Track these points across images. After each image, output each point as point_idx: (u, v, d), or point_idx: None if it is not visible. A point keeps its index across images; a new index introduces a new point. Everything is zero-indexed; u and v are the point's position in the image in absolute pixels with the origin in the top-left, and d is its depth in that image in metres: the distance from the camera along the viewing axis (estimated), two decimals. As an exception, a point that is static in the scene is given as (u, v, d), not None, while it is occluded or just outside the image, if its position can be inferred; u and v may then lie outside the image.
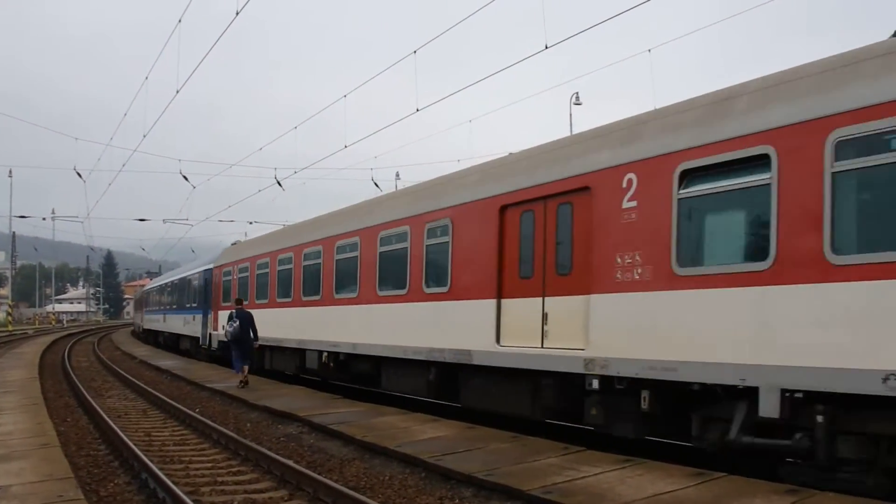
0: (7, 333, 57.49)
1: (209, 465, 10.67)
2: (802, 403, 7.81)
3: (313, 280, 19.22)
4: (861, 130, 7.42)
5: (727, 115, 8.83)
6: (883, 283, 7.12)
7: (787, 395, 7.85)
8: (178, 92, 20.65)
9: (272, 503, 8.58)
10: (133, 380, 22.11)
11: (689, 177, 9.09)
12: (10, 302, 79.55)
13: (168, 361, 29.83)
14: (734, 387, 8.35)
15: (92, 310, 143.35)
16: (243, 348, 19.61)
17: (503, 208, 12.12)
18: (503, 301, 12.07)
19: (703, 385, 8.74)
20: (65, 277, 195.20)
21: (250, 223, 52.08)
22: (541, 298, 11.33)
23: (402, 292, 14.74)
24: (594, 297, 10.19)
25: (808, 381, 7.61)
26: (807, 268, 7.71)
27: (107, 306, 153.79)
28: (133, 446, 10.87)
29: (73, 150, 35.50)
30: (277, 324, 21.31)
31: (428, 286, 14.04)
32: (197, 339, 32.28)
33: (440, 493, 8.58)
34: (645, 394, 9.51)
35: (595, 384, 10.13)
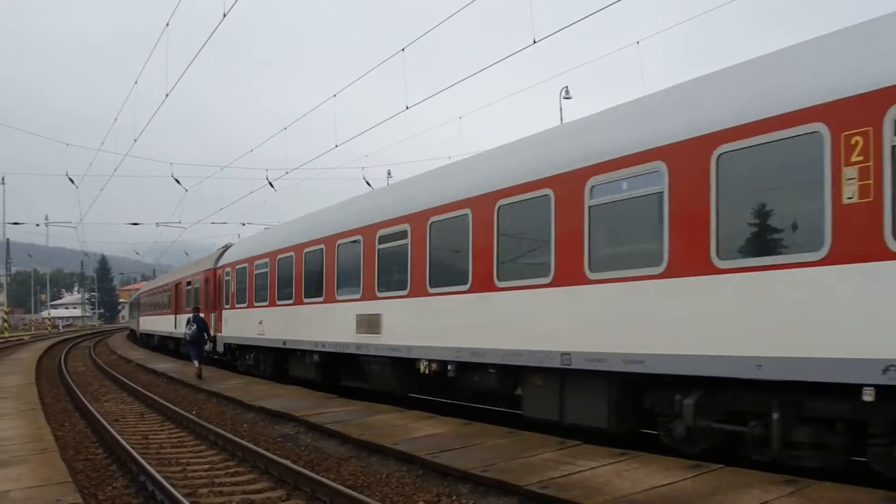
0: (3, 340, 57.39)
1: (207, 466, 10.71)
2: None
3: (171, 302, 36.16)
4: None
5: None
6: None
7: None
8: (167, 96, 20.64)
9: (270, 503, 8.62)
10: (129, 383, 22.13)
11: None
12: (5, 308, 79.42)
13: (164, 364, 29.83)
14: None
15: (87, 314, 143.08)
16: (198, 347, 23.58)
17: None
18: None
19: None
20: (60, 283, 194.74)
21: (243, 224, 52.10)
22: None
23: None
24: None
25: None
26: None
27: (102, 311, 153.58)
28: (130, 449, 10.88)
29: (65, 156, 35.48)
30: (167, 322, 38.75)
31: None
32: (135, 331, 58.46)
33: (437, 490, 8.61)
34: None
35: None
